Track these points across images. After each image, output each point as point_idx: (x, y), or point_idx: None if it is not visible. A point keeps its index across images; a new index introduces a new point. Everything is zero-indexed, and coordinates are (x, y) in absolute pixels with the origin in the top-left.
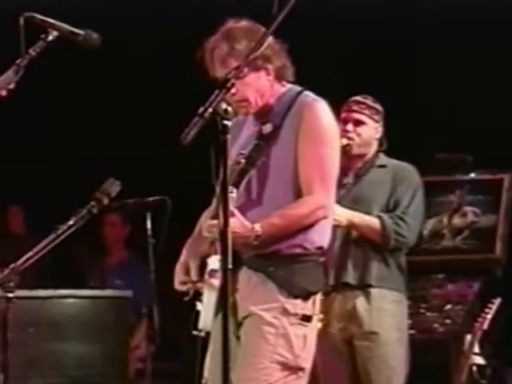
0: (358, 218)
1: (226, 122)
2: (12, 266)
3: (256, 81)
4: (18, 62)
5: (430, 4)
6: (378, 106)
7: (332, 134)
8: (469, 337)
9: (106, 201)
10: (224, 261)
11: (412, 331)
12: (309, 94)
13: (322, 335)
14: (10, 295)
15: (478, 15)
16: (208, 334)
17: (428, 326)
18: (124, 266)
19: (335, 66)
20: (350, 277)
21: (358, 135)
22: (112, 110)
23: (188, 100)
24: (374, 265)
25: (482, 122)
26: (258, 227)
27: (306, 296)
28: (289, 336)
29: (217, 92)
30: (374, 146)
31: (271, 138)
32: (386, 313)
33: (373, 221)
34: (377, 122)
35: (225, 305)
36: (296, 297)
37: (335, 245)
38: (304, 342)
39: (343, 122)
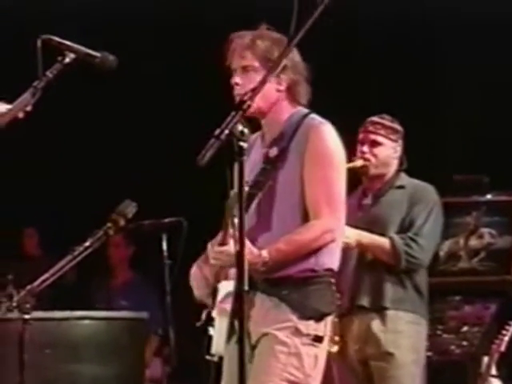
0: (368, 238)
1: (242, 144)
2: (28, 287)
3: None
4: (35, 84)
5: (449, 18)
6: (396, 126)
7: (338, 156)
8: (486, 359)
9: (122, 222)
10: (240, 283)
11: (429, 353)
12: (315, 117)
13: (340, 356)
14: (27, 317)
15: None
16: (221, 358)
17: (445, 347)
18: (129, 287)
19: (348, 83)
20: (365, 300)
21: (374, 156)
22: (128, 131)
23: (204, 121)
24: (389, 287)
25: (498, 143)
26: (265, 253)
27: (319, 317)
28: (301, 355)
29: (233, 113)
30: (394, 166)
31: (277, 162)
32: (401, 334)
33: (383, 242)
34: (394, 141)
35: (241, 327)
36: (309, 318)
37: (349, 267)
38: (315, 362)
39: (360, 143)
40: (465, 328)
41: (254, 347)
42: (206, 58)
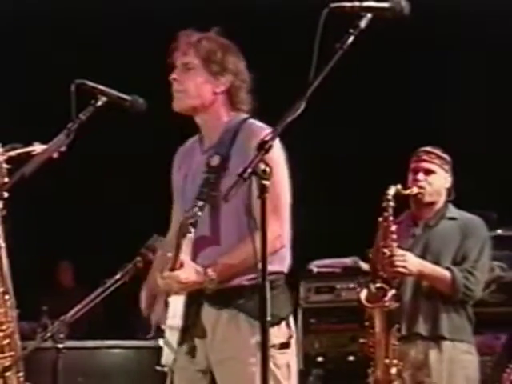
0: (429, 269)
1: (264, 182)
2: (62, 318)
3: (201, 81)
4: (69, 126)
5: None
6: (447, 157)
7: (281, 162)
8: None
9: (150, 256)
10: (262, 314)
11: None
12: (254, 122)
13: (397, 380)
14: (60, 346)
15: None
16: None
17: None
18: None
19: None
20: (422, 328)
21: (429, 184)
22: (157, 167)
23: None
24: (446, 316)
25: (506, 179)
26: (210, 272)
27: (277, 322)
28: (270, 370)
29: (255, 153)
30: (444, 196)
31: (220, 171)
32: (457, 365)
33: (444, 273)
34: (446, 171)
35: (264, 362)
36: (270, 325)
37: (406, 296)
38: (288, 371)
39: (413, 171)
40: None
41: (208, 366)
42: None
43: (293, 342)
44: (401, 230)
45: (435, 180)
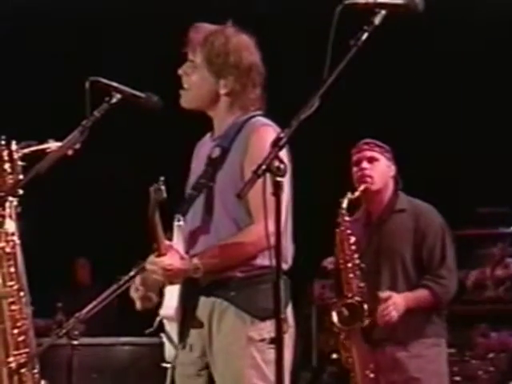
0: (413, 300)
1: (278, 179)
2: (77, 315)
3: (203, 81)
4: (83, 123)
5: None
6: (386, 146)
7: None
8: None
9: None
10: (276, 310)
11: (457, 378)
12: (259, 119)
13: (373, 382)
14: (75, 343)
15: None
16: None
17: (473, 373)
18: None
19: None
20: (387, 334)
21: (375, 171)
22: (175, 165)
23: None
24: (415, 321)
25: None
26: (195, 260)
27: (269, 317)
28: (259, 365)
29: (270, 150)
30: (391, 186)
31: (218, 163)
32: (425, 359)
33: (424, 295)
34: (389, 159)
35: (279, 358)
36: (261, 319)
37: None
38: None
39: (356, 163)
40: (491, 354)
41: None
42: None
43: (287, 336)
44: (356, 229)
45: (379, 167)
